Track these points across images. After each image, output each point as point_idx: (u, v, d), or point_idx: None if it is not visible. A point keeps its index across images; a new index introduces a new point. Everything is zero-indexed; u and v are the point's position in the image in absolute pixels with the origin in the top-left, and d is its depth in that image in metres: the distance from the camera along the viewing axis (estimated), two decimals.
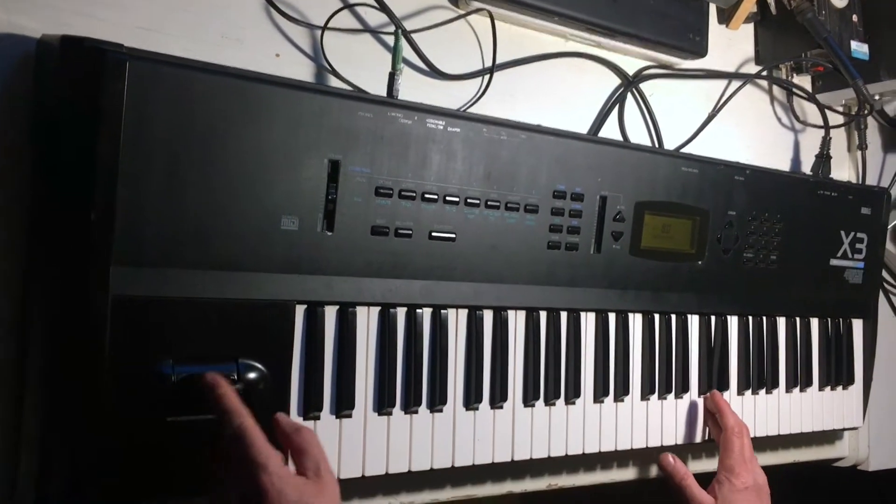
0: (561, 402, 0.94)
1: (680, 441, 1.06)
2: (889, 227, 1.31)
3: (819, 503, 1.70)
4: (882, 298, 1.38)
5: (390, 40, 0.87)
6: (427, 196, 0.82)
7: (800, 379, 1.20)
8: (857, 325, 1.29)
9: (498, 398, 0.89)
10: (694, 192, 1.03)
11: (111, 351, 0.66)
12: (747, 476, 0.99)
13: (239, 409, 0.66)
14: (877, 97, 1.30)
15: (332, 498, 0.67)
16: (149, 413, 0.68)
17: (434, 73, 0.94)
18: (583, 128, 1.09)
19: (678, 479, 1.00)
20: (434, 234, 0.83)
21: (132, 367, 0.67)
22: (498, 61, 0.98)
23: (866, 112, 1.24)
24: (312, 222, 0.76)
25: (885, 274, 1.39)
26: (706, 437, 1.07)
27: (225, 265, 0.72)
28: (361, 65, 0.89)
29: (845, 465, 1.39)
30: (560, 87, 1.06)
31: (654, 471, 1.08)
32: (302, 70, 0.86)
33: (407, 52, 0.91)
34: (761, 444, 1.19)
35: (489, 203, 0.86)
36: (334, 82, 0.87)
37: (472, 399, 0.87)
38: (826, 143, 1.25)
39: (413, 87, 0.92)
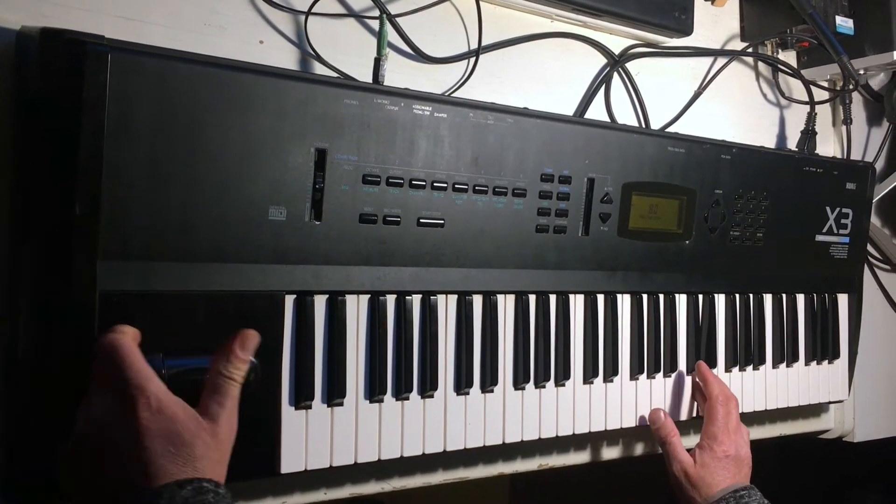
0: (551, 384, 0.95)
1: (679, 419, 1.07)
2: (874, 201, 1.31)
3: (806, 474, 1.73)
4: (867, 272, 1.39)
5: (375, 24, 0.86)
6: (415, 182, 0.82)
7: (786, 354, 1.21)
8: (843, 300, 1.30)
9: (488, 382, 0.89)
10: (681, 171, 1.03)
11: None
12: (729, 445, 1.00)
13: (119, 327, 0.64)
14: (861, 72, 1.30)
15: (223, 447, 0.63)
16: None
17: (420, 56, 0.93)
18: (569, 109, 1.08)
19: (664, 435, 1.01)
20: (422, 220, 0.83)
21: None
22: (483, 43, 0.97)
23: (851, 87, 1.24)
24: (300, 212, 0.75)
25: (870, 248, 1.40)
26: (694, 415, 1.08)
27: (213, 257, 0.72)
28: (346, 50, 0.89)
29: (831, 436, 1.41)
30: (546, 69, 1.06)
31: (643, 448, 1.10)
32: (286, 57, 0.85)
33: (392, 36, 0.90)
34: (749, 418, 1.20)
35: (477, 188, 0.86)
36: (319, 69, 0.87)
37: (462, 384, 0.87)
38: (811, 118, 1.25)
39: (399, 72, 0.92)
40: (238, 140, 0.71)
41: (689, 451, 1.01)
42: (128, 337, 0.63)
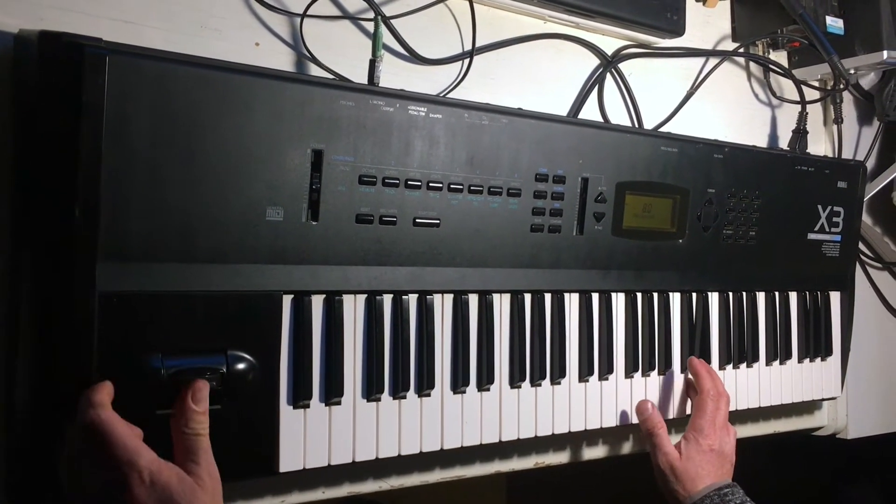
0: (547, 382, 0.96)
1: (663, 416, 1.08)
2: (865, 199, 1.32)
3: (798, 471, 1.74)
4: (859, 270, 1.40)
5: (370, 26, 0.87)
6: (410, 183, 0.82)
7: (779, 352, 1.22)
8: (835, 298, 1.31)
9: (485, 381, 0.90)
10: (674, 171, 1.04)
11: (100, 347, 0.67)
12: (714, 439, 1.00)
13: (95, 399, 0.63)
14: (852, 71, 1.31)
15: (215, 498, 0.66)
16: (139, 407, 0.68)
17: (414, 58, 0.94)
18: (563, 109, 1.09)
19: (650, 427, 1.01)
20: (418, 220, 0.84)
21: (121, 362, 0.68)
22: (477, 45, 0.98)
23: (842, 87, 1.25)
24: (297, 212, 0.76)
25: (861, 246, 1.41)
26: (687, 412, 1.09)
27: (211, 258, 0.72)
28: (342, 52, 0.89)
29: (824, 434, 1.42)
30: (540, 69, 1.07)
31: (639, 446, 1.10)
32: (282, 59, 0.86)
33: (387, 37, 0.91)
34: (742, 416, 1.21)
35: (472, 188, 0.87)
36: (315, 70, 0.87)
37: (459, 382, 0.88)
38: (802, 118, 1.26)
39: (394, 74, 0.92)
40: (235, 141, 0.72)
41: (676, 444, 1.01)
42: (107, 410, 0.63)
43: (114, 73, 0.65)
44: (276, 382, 0.76)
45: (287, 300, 0.77)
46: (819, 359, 1.28)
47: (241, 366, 0.74)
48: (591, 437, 1.06)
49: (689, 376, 1.09)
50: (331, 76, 0.86)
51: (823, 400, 1.33)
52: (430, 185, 0.84)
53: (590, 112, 1.11)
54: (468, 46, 0.98)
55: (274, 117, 0.74)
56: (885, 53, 1.25)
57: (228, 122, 0.71)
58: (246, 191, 0.73)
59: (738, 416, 1.21)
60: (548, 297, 0.96)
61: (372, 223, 0.81)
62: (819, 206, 1.24)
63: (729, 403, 1.06)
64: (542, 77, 1.07)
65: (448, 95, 0.97)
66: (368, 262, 0.81)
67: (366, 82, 0.84)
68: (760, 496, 1.00)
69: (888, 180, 1.39)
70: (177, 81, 0.69)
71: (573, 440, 1.05)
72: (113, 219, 0.67)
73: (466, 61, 0.98)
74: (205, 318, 0.72)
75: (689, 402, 1.09)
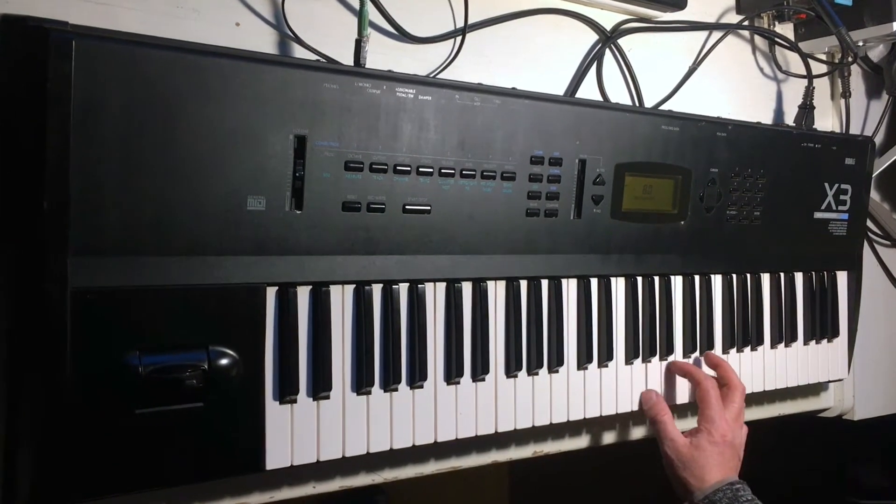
0: (544, 370, 0.93)
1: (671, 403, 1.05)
2: (873, 175, 1.29)
3: (805, 452, 1.72)
4: (867, 248, 1.36)
5: (356, 3, 0.83)
6: (399, 168, 0.79)
7: (785, 334, 1.19)
8: (842, 277, 1.28)
9: (479, 371, 0.87)
10: (675, 150, 1.01)
11: (74, 345, 0.64)
12: (727, 430, 0.98)
13: None
14: (860, 43, 1.27)
15: None
16: (117, 406, 0.66)
17: (403, 36, 0.90)
18: (560, 88, 1.05)
19: (655, 414, 0.99)
20: (408, 206, 0.80)
21: (97, 361, 0.65)
22: (470, 21, 0.94)
23: (850, 61, 1.21)
24: (280, 201, 0.73)
25: (869, 224, 1.38)
26: (688, 399, 1.06)
27: (190, 250, 0.69)
28: (326, 31, 0.85)
29: (830, 415, 1.39)
30: (535, 46, 1.03)
31: (641, 432, 1.08)
32: (264, 39, 0.82)
33: (374, 15, 0.87)
34: (747, 399, 1.18)
35: (464, 172, 0.84)
36: (298, 51, 0.84)
37: (453, 373, 0.85)
38: (809, 92, 1.22)
39: (382, 53, 0.89)
40: (213, 128, 0.69)
41: (683, 433, 0.99)
42: None
43: (81, 59, 0.62)
44: (262, 378, 0.74)
45: (271, 292, 0.74)
46: (826, 340, 1.25)
47: (223, 361, 0.71)
48: (591, 424, 1.04)
49: (707, 366, 1.06)
50: (315, 57, 0.83)
51: (830, 382, 1.31)
52: (420, 170, 0.81)
53: (588, 90, 1.07)
54: (460, 23, 0.94)
55: (254, 102, 0.70)
56: (895, 25, 1.20)
57: (206, 109, 0.68)
58: (225, 180, 0.70)
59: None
60: (545, 283, 0.93)
61: (359, 211, 0.78)
62: (826, 184, 1.20)
63: (744, 394, 1.03)
64: (538, 54, 1.03)
65: (439, 75, 0.93)
66: (356, 251, 0.78)
67: (352, 63, 0.80)
68: (768, 475, 0.98)
69: None
70: (150, 66, 0.66)
71: (573, 428, 1.02)
72: (85, 212, 0.64)
73: (458, 39, 0.94)
74: (185, 312, 0.69)
75: (689, 388, 1.06)
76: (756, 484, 0.97)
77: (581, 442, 1.04)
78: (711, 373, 1.05)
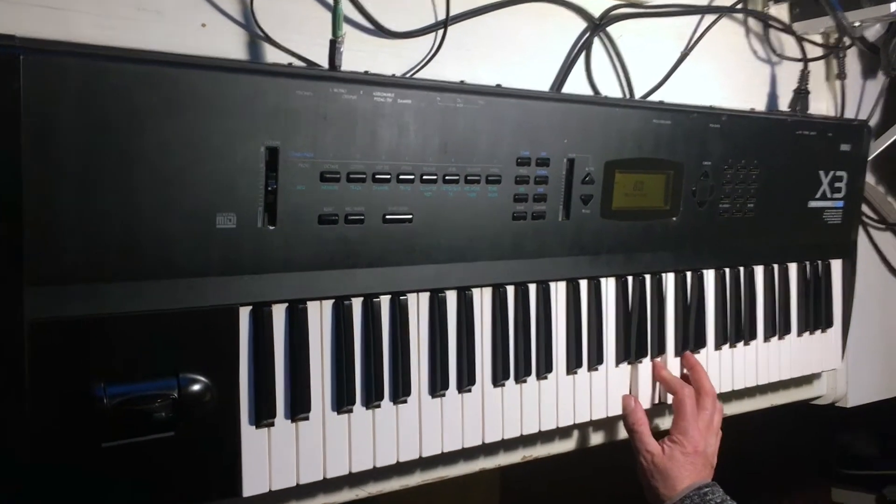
0: (532, 378, 0.90)
1: (657, 401, 1.03)
2: (868, 159, 1.25)
3: (798, 439, 1.71)
4: (861, 232, 1.33)
5: None
6: (378, 177, 0.75)
7: (778, 327, 1.16)
8: (836, 266, 1.25)
9: (465, 382, 0.84)
10: (667, 144, 0.97)
11: (32, 378, 0.61)
12: (699, 441, 0.95)
13: None
14: (857, 24, 1.22)
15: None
16: (82, 441, 0.63)
17: (381, 32, 0.85)
18: (547, 80, 1.01)
19: (632, 423, 0.97)
20: (388, 216, 0.77)
21: (58, 393, 0.62)
22: (452, 13, 0.89)
23: (847, 44, 1.17)
24: (252, 217, 0.69)
25: (864, 208, 1.35)
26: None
27: (157, 273, 0.65)
28: (299, 28, 0.80)
29: (823, 402, 1.37)
30: (521, 37, 0.98)
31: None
32: (232, 40, 0.77)
33: (350, 10, 0.83)
34: (739, 392, 1.16)
35: (447, 177, 0.80)
36: (269, 51, 0.79)
37: (437, 386, 0.82)
38: (804, 76, 1.19)
39: (359, 50, 0.84)
40: (177, 143, 0.65)
41: (658, 441, 0.96)
42: None
43: (30, 75, 0.58)
44: (236, 402, 0.70)
45: (244, 313, 0.71)
46: (819, 331, 1.22)
47: (195, 388, 0.68)
48: (581, 427, 1.01)
49: (685, 370, 1.03)
50: (287, 58, 0.78)
51: (823, 372, 1.29)
52: (401, 177, 0.77)
53: (577, 81, 1.03)
54: (441, 16, 0.89)
55: (221, 114, 0.66)
56: (894, 6, 1.16)
57: (169, 123, 0.64)
58: (192, 198, 0.66)
59: (734, 394, 1.16)
60: (532, 287, 0.90)
61: (337, 223, 0.74)
62: (821, 172, 1.17)
63: (716, 399, 1.01)
64: (523, 46, 0.98)
65: (420, 72, 0.89)
66: (335, 265, 0.75)
67: (327, 66, 0.75)
68: (760, 461, 0.96)
69: (894, 138, 1.31)
70: (106, 80, 0.61)
71: (562, 431, 0.99)
72: (42, 237, 0.60)
73: (440, 32, 0.89)
74: (153, 339, 0.66)
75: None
76: (748, 458, 0.95)
77: (570, 444, 1.01)
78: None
